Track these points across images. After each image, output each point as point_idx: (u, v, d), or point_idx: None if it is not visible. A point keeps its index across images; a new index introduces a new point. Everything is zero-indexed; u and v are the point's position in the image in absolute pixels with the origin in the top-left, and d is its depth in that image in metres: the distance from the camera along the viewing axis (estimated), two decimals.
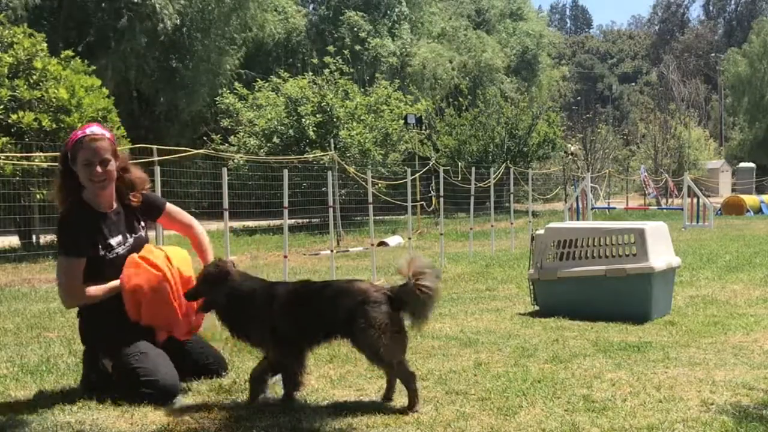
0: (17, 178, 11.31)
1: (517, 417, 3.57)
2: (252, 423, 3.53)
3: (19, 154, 11.17)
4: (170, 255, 3.97)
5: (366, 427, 3.50)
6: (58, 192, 3.92)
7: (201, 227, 4.36)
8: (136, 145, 11.60)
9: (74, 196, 3.87)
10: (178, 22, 22.90)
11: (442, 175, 12.97)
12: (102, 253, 3.83)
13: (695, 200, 20.02)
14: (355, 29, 29.78)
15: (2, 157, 10.79)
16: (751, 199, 25.55)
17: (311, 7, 33.58)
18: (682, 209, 20.60)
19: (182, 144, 21.31)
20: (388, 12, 31.76)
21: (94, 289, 3.85)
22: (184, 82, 24.57)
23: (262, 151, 18.96)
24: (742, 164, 45.21)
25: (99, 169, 3.82)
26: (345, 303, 3.67)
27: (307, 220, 18.35)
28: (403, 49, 30.80)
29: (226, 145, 20.00)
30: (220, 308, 3.86)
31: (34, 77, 12.09)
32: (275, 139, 19.14)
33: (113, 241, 3.86)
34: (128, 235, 3.95)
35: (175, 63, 24.54)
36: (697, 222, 19.28)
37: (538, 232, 6.74)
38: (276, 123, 19.22)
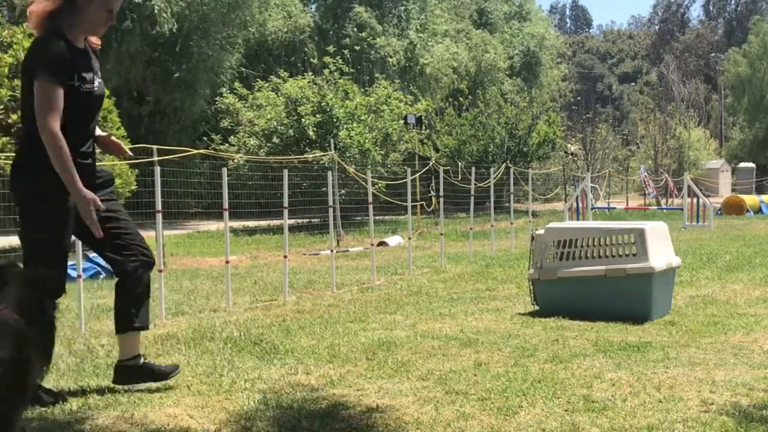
0: None
1: (517, 417, 3.57)
2: (251, 423, 3.53)
3: None
4: None
5: (366, 427, 3.50)
6: (43, 13, 3.76)
7: None
8: (136, 145, 11.60)
9: (55, 26, 3.80)
10: (175, 25, 22.91)
11: (442, 175, 12.96)
12: (77, 84, 3.78)
13: (695, 200, 20.01)
14: (362, 24, 29.66)
15: (2, 157, 10.79)
16: (751, 199, 25.51)
17: (313, 7, 33.49)
18: (682, 209, 20.59)
19: (182, 144, 21.29)
20: (394, 10, 31.65)
21: (66, 151, 3.69)
22: (184, 82, 24.57)
23: (262, 151, 18.96)
24: (742, 164, 45.21)
25: (113, 20, 3.92)
26: None
27: (307, 220, 18.35)
28: (410, 48, 30.74)
29: (226, 145, 20.00)
30: None
31: None
32: (275, 139, 19.14)
33: (87, 75, 3.84)
34: (98, 76, 3.94)
35: (174, 63, 24.53)
36: (697, 222, 19.27)
37: (538, 232, 6.74)
38: (276, 123, 19.22)
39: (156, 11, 22.12)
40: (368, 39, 28.77)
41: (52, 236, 3.82)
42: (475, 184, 12.58)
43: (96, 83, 3.88)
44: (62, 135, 3.70)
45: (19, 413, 2.35)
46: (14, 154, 3.94)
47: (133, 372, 4.08)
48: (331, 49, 22.65)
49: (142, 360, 4.15)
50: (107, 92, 14.01)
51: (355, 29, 29.59)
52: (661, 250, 6.29)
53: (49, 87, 3.66)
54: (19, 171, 3.83)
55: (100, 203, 3.82)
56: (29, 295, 2.50)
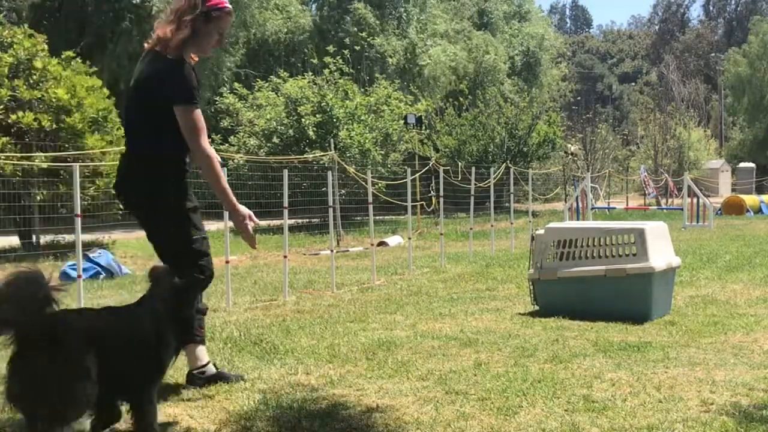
0: (17, 178, 11.31)
1: (517, 417, 3.57)
2: (251, 423, 3.53)
3: (19, 154, 11.17)
4: None
5: (366, 427, 3.50)
6: (180, 41, 3.85)
7: None
8: None
9: (180, 50, 3.90)
10: None
11: (442, 175, 12.96)
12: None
13: (695, 200, 20.01)
14: (362, 24, 29.59)
15: (2, 157, 10.79)
16: (751, 199, 25.50)
17: (314, 7, 33.42)
18: (682, 209, 20.59)
19: None
20: (394, 11, 31.58)
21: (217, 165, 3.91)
22: None
23: (262, 151, 18.95)
24: (742, 164, 45.18)
25: (222, 42, 4.12)
26: None
27: (307, 220, 18.35)
28: (410, 48, 30.68)
29: (226, 145, 19.99)
30: None
31: (34, 77, 12.09)
32: (275, 139, 19.13)
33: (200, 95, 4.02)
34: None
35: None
36: (697, 222, 19.26)
37: (538, 232, 6.74)
38: (276, 123, 19.22)
39: (155, 11, 22.12)
40: (368, 39, 28.73)
41: (193, 240, 3.97)
42: (475, 184, 12.58)
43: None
44: (180, 150, 3.86)
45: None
46: (130, 173, 3.99)
47: (205, 379, 4.16)
48: (331, 49, 22.62)
49: (213, 367, 4.23)
50: (107, 92, 14.03)
51: (355, 28, 29.54)
52: (661, 250, 6.29)
53: (192, 112, 3.82)
54: (140, 189, 3.93)
55: (255, 218, 3.97)
56: (178, 300, 3.39)
